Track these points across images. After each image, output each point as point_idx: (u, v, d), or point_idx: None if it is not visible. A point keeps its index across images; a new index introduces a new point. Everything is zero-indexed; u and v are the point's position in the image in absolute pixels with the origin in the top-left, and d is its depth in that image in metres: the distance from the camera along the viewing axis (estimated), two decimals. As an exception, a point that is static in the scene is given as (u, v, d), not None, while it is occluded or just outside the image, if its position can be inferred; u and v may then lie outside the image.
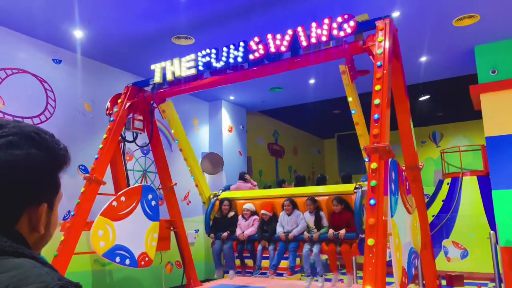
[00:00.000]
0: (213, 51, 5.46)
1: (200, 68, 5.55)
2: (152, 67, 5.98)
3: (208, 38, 6.62)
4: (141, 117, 6.32)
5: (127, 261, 5.36)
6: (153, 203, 5.88)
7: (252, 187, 6.57)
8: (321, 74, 8.29)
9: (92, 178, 5.29)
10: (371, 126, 3.83)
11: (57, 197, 0.98)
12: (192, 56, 5.61)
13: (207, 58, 5.48)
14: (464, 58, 7.75)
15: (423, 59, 7.84)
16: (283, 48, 4.93)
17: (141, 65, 7.52)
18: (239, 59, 5.22)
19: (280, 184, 6.81)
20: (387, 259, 3.46)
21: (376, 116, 3.84)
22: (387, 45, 4.24)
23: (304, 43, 4.79)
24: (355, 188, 4.96)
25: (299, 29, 4.82)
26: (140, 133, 6.39)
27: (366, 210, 4.75)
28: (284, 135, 14.24)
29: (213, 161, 9.69)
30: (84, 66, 7.17)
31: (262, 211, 5.42)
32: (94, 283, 6.65)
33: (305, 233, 5.03)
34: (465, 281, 8.09)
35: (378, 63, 4.16)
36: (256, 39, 5.12)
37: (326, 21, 4.66)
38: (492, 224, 8.13)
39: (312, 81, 8.98)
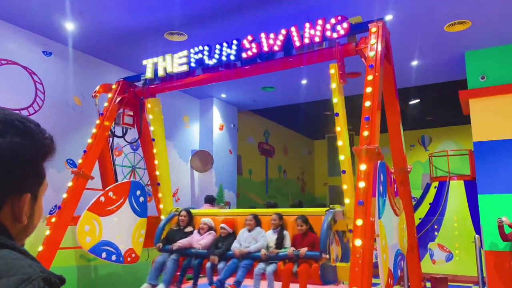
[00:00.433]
0: (206, 48, 5.44)
1: (192, 64, 5.52)
2: (144, 62, 5.94)
3: (201, 35, 6.59)
4: (131, 113, 6.28)
5: (113, 257, 5.32)
6: (141, 199, 5.84)
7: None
8: (313, 75, 8.31)
9: (80, 173, 5.24)
10: (361, 128, 3.85)
11: (42, 188, 0.96)
12: (185, 52, 5.59)
13: (200, 55, 5.46)
14: (454, 64, 7.83)
15: (414, 63, 7.91)
16: (276, 48, 4.93)
17: (132, 60, 7.46)
18: (232, 57, 5.21)
19: (298, 206, 6.51)
20: (374, 260, 3.48)
21: (366, 118, 3.86)
22: (379, 48, 4.27)
23: (297, 43, 4.80)
24: (327, 210, 4.72)
25: (293, 29, 4.83)
26: (130, 129, 6.35)
27: (341, 239, 4.70)
28: (275, 135, 14.25)
29: (203, 159, 9.67)
30: (75, 59, 7.09)
31: (221, 225, 5.07)
32: (79, 278, 6.58)
33: (263, 250, 4.62)
34: (449, 283, 8.18)
35: (370, 65, 4.19)
36: (250, 37, 5.12)
37: (320, 22, 4.67)
38: (477, 228, 8.24)
39: (304, 81, 9.00)
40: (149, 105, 6.07)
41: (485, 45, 7.12)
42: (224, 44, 5.28)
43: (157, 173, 5.98)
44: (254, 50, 5.05)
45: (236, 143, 10.99)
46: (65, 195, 5.16)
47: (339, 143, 4.51)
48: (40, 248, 4.80)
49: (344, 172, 4.44)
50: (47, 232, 4.91)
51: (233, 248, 4.80)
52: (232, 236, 5.01)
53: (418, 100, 11.73)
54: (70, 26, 6.27)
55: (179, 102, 9.55)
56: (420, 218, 10.13)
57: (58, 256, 5.00)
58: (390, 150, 5.32)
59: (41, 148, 0.93)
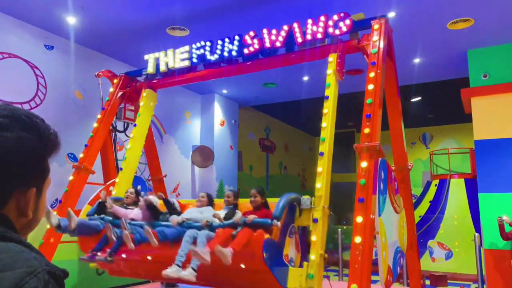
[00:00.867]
0: (208, 43, 5.43)
1: (194, 60, 5.51)
2: (146, 57, 5.93)
3: (203, 31, 6.58)
4: (132, 107, 6.29)
5: (114, 251, 5.33)
6: (142, 194, 5.84)
7: None
8: (315, 71, 8.30)
9: (81, 167, 5.25)
10: (363, 125, 3.85)
11: (46, 182, 0.97)
12: (186, 48, 5.58)
13: (202, 51, 5.45)
14: (456, 61, 7.81)
15: (417, 60, 7.89)
16: (278, 44, 4.92)
17: (134, 55, 7.45)
18: (234, 53, 5.20)
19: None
20: (373, 257, 3.49)
21: (368, 115, 3.85)
22: (381, 45, 4.26)
23: (300, 40, 4.78)
24: None
25: (295, 25, 4.81)
26: (131, 123, 6.35)
27: (302, 241, 3.94)
28: (276, 131, 14.25)
29: (204, 155, 9.68)
30: (77, 53, 7.09)
31: (173, 200, 4.58)
32: (80, 272, 6.61)
33: (205, 219, 3.88)
34: (448, 281, 8.21)
35: (372, 62, 4.18)
36: (252, 33, 5.11)
37: (322, 18, 4.66)
38: (477, 227, 8.25)
39: (305, 78, 8.99)
40: (144, 94, 5.89)
41: (487, 43, 7.10)
42: (226, 39, 5.27)
43: (125, 156, 5.52)
44: (256, 46, 5.04)
45: (237, 139, 11.00)
46: (66, 189, 5.18)
47: (323, 124, 4.17)
48: (41, 242, 4.82)
49: (322, 154, 4.03)
50: (48, 226, 4.92)
51: (170, 218, 4.10)
52: (175, 209, 4.41)
53: (419, 98, 11.71)
54: (72, 20, 6.27)
55: (181, 98, 9.55)
56: (420, 216, 10.15)
57: (59, 250, 5.01)
58: (391, 147, 5.32)
59: (47, 143, 0.94)
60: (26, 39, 6.33)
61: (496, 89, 7.06)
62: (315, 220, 3.70)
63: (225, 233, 3.61)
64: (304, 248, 4.02)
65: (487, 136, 7.05)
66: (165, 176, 6.54)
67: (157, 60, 5.81)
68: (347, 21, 4.54)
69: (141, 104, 5.89)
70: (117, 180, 5.41)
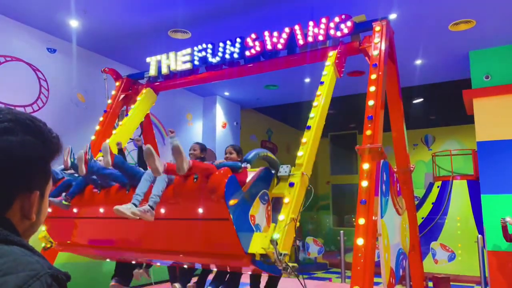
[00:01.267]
0: (210, 46, 5.44)
1: (196, 62, 5.53)
2: (148, 60, 5.95)
3: (204, 33, 6.60)
4: (134, 110, 6.29)
5: (116, 254, 5.33)
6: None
7: None
8: (317, 73, 8.26)
9: (83, 169, 5.24)
10: (365, 127, 3.85)
11: (48, 185, 0.98)
12: (188, 50, 5.59)
13: (203, 53, 5.46)
14: (458, 63, 7.81)
15: (418, 62, 7.88)
16: (279, 46, 4.93)
17: (136, 58, 7.48)
18: (235, 55, 5.22)
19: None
20: (376, 259, 3.49)
21: (370, 116, 3.85)
22: (383, 47, 4.27)
23: (301, 42, 4.79)
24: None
25: (296, 27, 4.83)
26: (133, 126, 6.35)
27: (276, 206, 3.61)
28: (278, 133, 14.25)
29: (206, 157, 9.68)
30: (79, 56, 7.11)
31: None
32: (83, 274, 6.62)
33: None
34: (451, 283, 8.18)
35: (374, 64, 4.18)
36: (253, 35, 5.12)
37: (324, 20, 4.67)
38: (480, 228, 8.23)
39: (307, 80, 8.99)
40: (144, 91, 5.88)
41: (489, 44, 7.09)
42: (228, 42, 5.29)
43: (108, 140, 5.20)
44: (258, 48, 5.05)
45: (238, 141, 11.00)
46: (68, 192, 5.18)
47: (314, 103, 4.18)
48: (43, 245, 4.82)
49: (309, 127, 3.98)
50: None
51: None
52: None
53: (421, 99, 11.70)
54: (74, 23, 6.29)
55: (183, 100, 9.57)
56: (422, 218, 10.12)
57: (62, 253, 5.02)
58: (393, 149, 5.31)
59: (50, 146, 0.95)
60: (28, 42, 6.36)
61: (498, 90, 7.05)
62: (291, 184, 3.49)
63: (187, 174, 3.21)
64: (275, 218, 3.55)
65: (490, 137, 7.04)
66: (167, 178, 6.54)
67: (159, 63, 5.83)
68: (349, 23, 4.54)
69: (138, 99, 5.83)
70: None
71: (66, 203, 3.98)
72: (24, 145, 0.88)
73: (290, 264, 3.19)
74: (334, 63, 4.40)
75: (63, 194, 4.05)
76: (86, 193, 4.07)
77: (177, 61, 5.64)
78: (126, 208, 3.22)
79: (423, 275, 5.45)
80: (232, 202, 3.13)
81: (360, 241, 3.34)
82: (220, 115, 10.29)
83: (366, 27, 4.57)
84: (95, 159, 3.99)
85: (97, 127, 5.72)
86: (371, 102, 3.94)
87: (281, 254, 3.12)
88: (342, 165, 16.03)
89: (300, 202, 3.50)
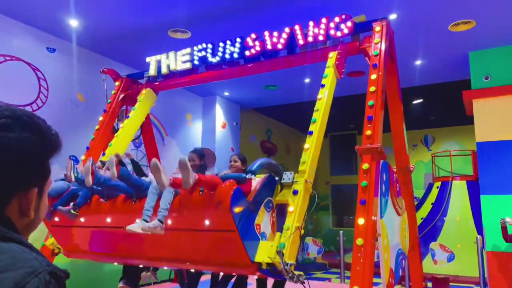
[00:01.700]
0: (209, 46, 5.44)
1: (196, 62, 5.53)
2: (147, 59, 5.95)
3: (204, 33, 6.60)
4: (134, 110, 6.28)
5: (115, 254, 5.33)
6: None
7: None
8: (317, 73, 8.28)
9: (82, 169, 5.24)
10: (364, 127, 3.85)
11: (47, 183, 0.98)
12: (188, 50, 5.59)
13: (203, 53, 5.46)
14: (458, 63, 7.81)
15: (418, 62, 7.89)
16: (279, 46, 4.93)
17: (136, 57, 7.47)
18: (235, 55, 5.22)
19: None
20: (375, 259, 3.48)
21: (369, 117, 3.85)
22: (383, 47, 4.27)
23: (301, 42, 4.79)
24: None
25: (297, 27, 4.83)
26: (133, 126, 6.34)
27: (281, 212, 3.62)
28: (277, 134, 14.25)
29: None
30: (79, 56, 7.11)
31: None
32: (83, 274, 6.61)
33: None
34: (451, 284, 8.18)
35: (374, 65, 4.18)
36: (253, 35, 5.12)
37: (324, 20, 4.67)
38: (479, 229, 8.23)
39: (307, 80, 8.99)
40: (143, 92, 5.88)
41: (489, 45, 7.09)
42: (228, 42, 5.29)
43: (110, 144, 5.36)
44: (258, 48, 5.05)
45: (238, 141, 11.00)
46: (68, 191, 5.17)
47: (316, 108, 4.19)
48: (43, 244, 4.82)
49: (311, 133, 4.00)
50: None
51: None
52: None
53: (421, 100, 11.70)
54: (74, 23, 6.29)
55: (182, 100, 9.57)
56: (422, 218, 10.12)
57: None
58: (393, 149, 5.31)
59: (49, 143, 0.95)
60: (28, 42, 6.35)
61: (498, 91, 7.05)
62: (295, 192, 3.51)
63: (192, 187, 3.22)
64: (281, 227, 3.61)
65: (489, 138, 7.04)
66: (167, 178, 6.53)
67: (158, 63, 5.82)
68: (349, 23, 4.54)
69: (138, 99, 5.87)
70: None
71: (74, 212, 4.07)
72: (21, 142, 0.88)
73: (296, 273, 3.23)
74: (334, 64, 4.40)
75: (71, 203, 4.13)
76: (93, 203, 4.13)
77: (176, 60, 5.64)
78: (138, 226, 3.35)
79: (423, 276, 5.45)
80: (237, 213, 3.16)
81: (359, 241, 3.34)
82: (219, 115, 10.29)
83: (366, 27, 4.58)
84: (102, 159, 4.18)
85: (97, 127, 5.72)
86: (371, 103, 3.94)
87: (287, 264, 3.15)
88: (342, 165, 16.03)
89: (304, 209, 3.52)
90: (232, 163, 3.93)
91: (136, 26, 6.42)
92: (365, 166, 3.65)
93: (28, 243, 0.87)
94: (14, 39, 6.16)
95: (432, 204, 10.60)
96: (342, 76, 4.54)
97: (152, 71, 5.86)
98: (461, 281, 8.47)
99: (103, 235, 4.23)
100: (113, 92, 6.07)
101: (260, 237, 3.39)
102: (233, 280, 4.61)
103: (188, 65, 5.55)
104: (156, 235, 3.38)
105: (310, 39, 4.73)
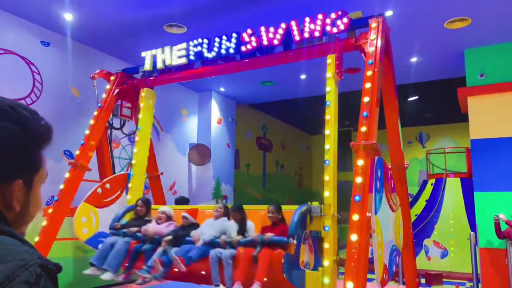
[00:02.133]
0: (205, 41, 5.42)
1: (191, 57, 5.50)
2: (143, 54, 5.91)
3: (200, 28, 6.56)
4: (129, 105, 6.27)
5: (110, 249, 5.32)
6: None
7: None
8: (313, 69, 8.30)
9: (77, 164, 5.23)
10: (360, 123, 3.85)
11: (38, 176, 0.95)
12: (184, 45, 5.56)
13: (199, 48, 5.44)
14: (453, 61, 7.83)
15: (414, 59, 7.90)
16: (275, 42, 4.91)
17: (131, 52, 7.42)
18: (231, 50, 5.20)
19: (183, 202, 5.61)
20: (369, 256, 3.50)
21: (365, 113, 3.86)
22: (379, 44, 4.26)
23: (297, 37, 4.78)
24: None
25: (293, 23, 4.81)
26: (128, 121, 6.33)
27: (315, 244, 4.05)
28: (273, 130, 14.24)
29: (201, 153, 9.67)
30: (73, 50, 7.05)
31: (183, 214, 4.59)
32: (75, 270, 6.59)
33: (223, 236, 4.14)
34: (443, 280, 8.24)
35: (370, 61, 4.18)
36: (249, 31, 5.10)
37: (320, 16, 4.66)
38: (473, 226, 8.29)
39: (303, 76, 8.98)
40: (143, 94, 5.95)
41: (484, 43, 7.11)
42: (224, 37, 5.26)
43: (133, 161, 5.73)
44: (254, 44, 5.03)
45: (234, 137, 10.98)
46: (62, 186, 5.16)
47: (327, 132, 4.27)
48: (37, 239, 4.80)
49: (327, 162, 4.15)
50: (44, 223, 4.91)
51: (192, 234, 4.29)
52: (194, 226, 4.52)
53: (416, 97, 11.74)
54: (68, 16, 6.23)
55: (178, 95, 9.53)
56: (416, 215, 10.18)
57: (55, 247, 5.00)
58: (388, 146, 5.32)
59: (33, 134, 0.91)
60: (22, 35, 6.29)
61: (493, 88, 7.08)
62: (326, 228, 3.96)
63: (246, 256, 3.91)
64: (316, 247, 4.16)
65: (483, 135, 7.08)
66: (162, 173, 6.53)
67: (154, 57, 5.79)
68: (345, 19, 4.54)
69: (141, 105, 5.93)
70: (130, 185, 5.58)
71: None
72: (0, 132, 0.85)
73: None
74: (334, 73, 4.42)
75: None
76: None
77: (172, 55, 5.61)
78: None
79: (416, 272, 5.48)
80: (287, 270, 3.76)
81: (354, 237, 3.35)
82: (215, 110, 10.26)
83: (362, 24, 4.57)
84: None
85: (91, 122, 5.69)
86: (366, 99, 3.94)
87: None
88: (338, 162, 16.04)
89: (336, 241, 3.99)
90: (270, 214, 4.19)
91: (132, 20, 6.37)
92: (360, 162, 3.65)
93: (20, 236, 0.85)
94: (8, 32, 6.10)
95: (426, 201, 10.66)
96: (342, 77, 4.55)
97: (147, 65, 5.83)
98: (454, 277, 8.53)
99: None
100: (108, 87, 6.03)
101: (304, 269, 3.93)
102: None
103: (183, 60, 5.53)
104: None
105: (306, 35, 4.72)
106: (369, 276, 3.43)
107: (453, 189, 10.39)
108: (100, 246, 4.78)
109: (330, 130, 4.24)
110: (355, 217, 3.43)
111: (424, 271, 8.24)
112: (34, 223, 1.00)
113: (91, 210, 5.21)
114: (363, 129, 3.79)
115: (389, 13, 6.02)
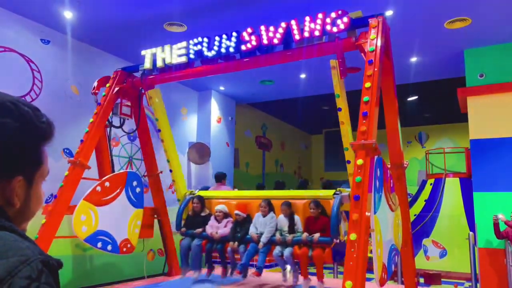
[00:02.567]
0: (205, 39, 5.41)
1: (191, 56, 5.49)
2: (143, 52, 5.91)
3: (200, 26, 6.56)
4: (129, 103, 6.26)
5: (109, 247, 5.33)
6: (137, 190, 5.84)
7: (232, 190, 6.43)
8: (312, 69, 8.30)
9: (76, 162, 5.23)
10: (359, 123, 3.85)
11: (39, 172, 0.95)
12: (184, 43, 5.56)
13: (199, 47, 5.43)
14: (453, 61, 7.83)
15: (413, 59, 7.90)
16: (275, 41, 4.91)
17: (131, 50, 7.42)
18: (231, 49, 5.19)
19: (304, 185, 6.41)
20: (368, 255, 3.50)
21: (364, 113, 3.86)
22: (379, 43, 4.26)
23: (297, 37, 4.78)
24: (335, 193, 4.89)
25: (293, 22, 4.81)
26: (128, 119, 6.32)
27: (348, 216, 4.45)
28: (272, 129, 14.25)
29: (200, 151, 9.67)
30: (73, 48, 7.05)
31: (236, 212, 5.28)
32: (74, 267, 6.60)
33: (277, 235, 4.91)
34: (442, 279, 8.26)
35: (369, 61, 4.18)
36: (249, 30, 5.09)
37: (320, 15, 4.65)
38: (472, 226, 8.30)
39: (303, 75, 8.99)
40: (150, 96, 6.11)
41: (484, 43, 7.12)
42: (224, 36, 5.26)
43: (167, 160, 6.22)
44: (254, 43, 5.03)
45: (233, 136, 10.99)
46: (61, 184, 5.15)
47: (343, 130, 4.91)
48: (36, 237, 4.80)
49: (349, 162, 4.70)
50: (43, 221, 4.91)
51: (250, 233, 5.09)
52: (248, 220, 5.24)
53: (416, 97, 11.74)
54: (68, 14, 6.23)
55: (177, 94, 9.53)
56: (415, 215, 10.19)
57: (54, 245, 5.00)
58: (387, 146, 5.32)
59: (34, 131, 0.92)
60: (22, 33, 6.29)
61: (492, 88, 7.09)
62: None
63: (305, 256, 4.74)
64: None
65: (483, 135, 7.08)
66: (161, 172, 6.53)
67: (154, 56, 5.79)
68: (345, 19, 4.53)
69: (151, 108, 6.22)
70: (172, 181, 6.25)
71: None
72: (0, 128, 0.85)
73: None
74: (340, 79, 4.71)
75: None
76: None
77: (172, 54, 5.60)
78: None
79: (415, 271, 5.49)
80: (335, 256, 4.72)
81: (353, 236, 3.36)
82: (215, 109, 10.26)
83: (362, 23, 4.56)
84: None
85: (91, 120, 5.68)
86: (366, 99, 3.93)
87: None
88: (336, 161, 16.07)
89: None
90: (311, 211, 4.86)
91: (132, 18, 6.37)
92: (359, 162, 3.66)
93: (21, 232, 0.85)
94: (7, 30, 6.10)
95: (425, 200, 10.67)
96: (345, 75, 4.71)
97: (147, 64, 5.83)
98: (453, 277, 8.55)
99: None
100: (107, 85, 6.03)
101: (344, 240, 4.54)
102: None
103: (183, 59, 5.52)
104: None
105: (306, 34, 4.72)
106: (368, 275, 3.44)
107: (452, 189, 10.41)
108: (180, 252, 5.62)
109: (345, 134, 4.92)
110: (354, 216, 3.44)
111: (423, 270, 8.26)
112: (33, 221, 1.00)
113: (90, 208, 5.20)
114: (363, 128, 3.79)
115: (389, 13, 6.02)
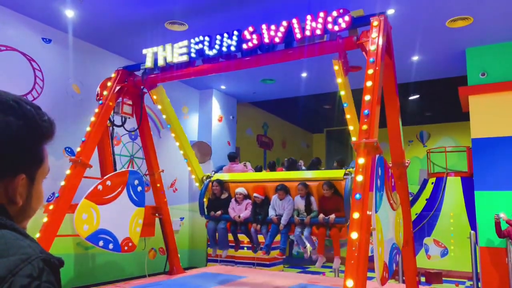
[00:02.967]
0: (206, 38, 5.40)
1: (193, 55, 5.49)
2: (144, 51, 5.90)
3: (202, 25, 6.56)
4: (130, 102, 6.26)
5: (111, 246, 5.34)
6: (139, 188, 5.85)
7: (244, 168, 6.56)
8: (314, 68, 8.29)
9: (78, 161, 5.23)
10: (361, 122, 3.85)
11: (40, 171, 0.95)
12: (185, 42, 5.55)
13: (200, 46, 5.42)
14: (455, 60, 7.82)
15: (415, 58, 7.89)
16: (277, 39, 4.90)
17: (132, 49, 7.42)
18: (232, 48, 5.18)
19: (272, 166, 6.65)
20: (369, 254, 3.50)
21: (366, 111, 3.85)
22: (380, 42, 4.25)
23: (299, 36, 4.77)
24: (345, 174, 5.04)
25: (294, 21, 4.80)
26: (129, 118, 6.33)
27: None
28: (274, 128, 14.25)
29: (202, 150, 9.67)
30: (75, 47, 7.05)
31: (255, 195, 5.53)
32: (76, 266, 6.61)
33: (296, 216, 5.22)
34: (443, 278, 8.26)
35: (371, 59, 4.17)
36: (251, 28, 5.09)
37: (322, 14, 4.64)
38: (473, 224, 8.29)
39: (304, 74, 8.98)
40: (154, 97, 6.13)
41: (486, 42, 7.10)
42: (225, 35, 5.25)
43: (181, 152, 6.40)
44: (255, 42, 5.02)
45: (234, 135, 10.99)
46: (63, 183, 5.16)
47: (350, 127, 5.05)
48: (38, 235, 4.81)
49: (361, 161, 4.80)
50: (45, 219, 4.92)
51: (271, 216, 5.37)
52: (266, 202, 5.50)
53: (417, 96, 11.73)
54: (70, 13, 6.23)
55: (179, 93, 9.53)
56: (416, 214, 10.19)
57: (56, 244, 5.01)
58: (389, 145, 5.32)
59: (36, 129, 0.92)
60: (23, 32, 6.29)
61: (494, 87, 7.07)
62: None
63: (323, 236, 5.04)
64: None
65: (484, 134, 7.07)
66: (162, 171, 6.54)
67: (155, 55, 5.78)
68: (346, 18, 4.52)
69: (159, 107, 6.25)
70: (189, 168, 6.32)
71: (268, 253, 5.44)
72: (4, 126, 0.86)
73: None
74: (343, 77, 4.82)
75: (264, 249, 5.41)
76: None
77: (173, 53, 5.60)
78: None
79: (416, 270, 5.48)
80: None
81: (354, 235, 3.36)
82: (216, 108, 10.26)
83: (363, 22, 4.55)
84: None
85: (93, 119, 5.69)
86: (367, 97, 3.93)
87: None
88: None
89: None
90: (324, 192, 5.06)
91: (133, 17, 6.37)
92: (361, 160, 3.65)
93: (22, 230, 0.86)
94: (9, 29, 6.10)
95: (426, 199, 10.67)
96: (348, 72, 4.88)
97: (148, 63, 5.82)
98: (454, 276, 8.55)
99: None
100: (109, 84, 6.03)
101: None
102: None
103: (185, 58, 5.51)
104: None
105: (307, 33, 4.71)
106: (369, 274, 3.44)
107: (453, 188, 10.40)
108: (207, 233, 5.90)
109: (354, 126, 5.00)
110: (356, 215, 3.44)
111: (424, 269, 8.26)
112: (35, 220, 1.01)
113: (92, 207, 5.21)
114: (364, 127, 3.78)
115: (390, 12, 6.01)
